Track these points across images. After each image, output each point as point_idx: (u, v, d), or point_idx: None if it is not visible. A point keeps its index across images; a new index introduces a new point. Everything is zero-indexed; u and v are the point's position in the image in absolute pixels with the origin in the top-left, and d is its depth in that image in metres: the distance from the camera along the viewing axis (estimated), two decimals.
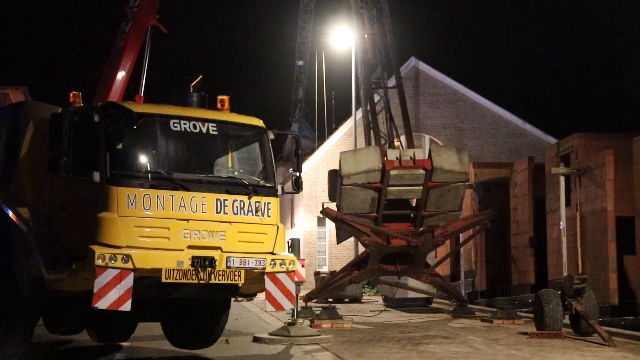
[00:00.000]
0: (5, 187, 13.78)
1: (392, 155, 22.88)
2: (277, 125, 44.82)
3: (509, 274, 28.24)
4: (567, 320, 18.49)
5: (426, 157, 22.84)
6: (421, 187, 22.85)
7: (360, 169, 22.63)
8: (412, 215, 23.67)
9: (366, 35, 26.67)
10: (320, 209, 24.68)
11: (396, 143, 26.23)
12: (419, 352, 15.70)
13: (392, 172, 22.53)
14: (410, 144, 25.72)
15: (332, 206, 24.13)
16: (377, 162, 22.58)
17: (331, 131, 43.33)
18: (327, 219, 27.14)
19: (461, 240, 27.56)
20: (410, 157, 22.67)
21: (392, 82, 27.38)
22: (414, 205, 23.97)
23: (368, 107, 26.07)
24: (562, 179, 24.22)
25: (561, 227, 24.24)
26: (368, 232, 23.03)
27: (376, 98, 26.55)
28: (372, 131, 25.72)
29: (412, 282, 25.06)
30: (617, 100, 53.24)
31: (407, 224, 23.37)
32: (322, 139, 44.00)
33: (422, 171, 22.61)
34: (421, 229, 23.39)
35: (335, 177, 23.65)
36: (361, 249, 26.78)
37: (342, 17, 36.81)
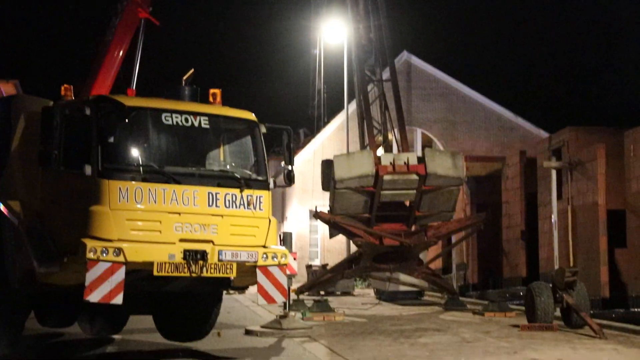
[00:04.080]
0: None
1: (385, 160, 22.73)
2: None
3: (500, 267, 28.32)
4: (558, 313, 18.53)
5: (419, 161, 22.65)
6: (415, 191, 22.77)
7: (353, 174, 22.54)
8: (405, 215, 23.61)
9: (361, 27, 26.60)
10: (313, 202, 24.68)
11: (389, 137, 26.19)
12: (411, 344, 15.72)
13: (386, 178, 22.42)
14: (404, 138, 25.62)
15: (325, 195, 24.07)
16: (371, 168, 22.47)
17: (323, 124, 43.23)
18: None
19: (453, 239, 27.56)
20: (404, 162, 22.51)
21: (385, 74, 27.29)
22: (407, 205, 23.88)
23: (361, 97, 25.98)
24: (553, 173, 24.29)
25: (553, 220, 24.30)
26: (361, 233, 23.01)
27: (369, 88, 26.46)
28: (365, 121, 25.65)
29: (403, 276, 25.07)
30: (609, 93, 53.34)
31: (400, 224, 23.30)
32: (315, 131, 43.89)
33: (415, 176, 22.51)
34: (414, 228, 23.38)
35: (328, 168, 23.53)
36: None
37: (337, 8, 36.39)
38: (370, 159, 22.75)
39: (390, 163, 22.62)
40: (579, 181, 23.27)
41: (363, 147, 25.26)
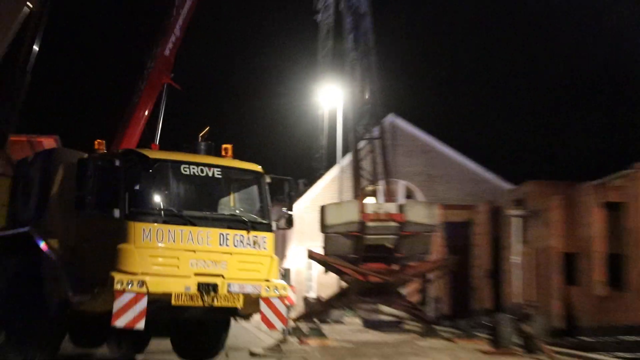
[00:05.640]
0: (38, 221, 13.83)
1: (369, 209, 22.86)
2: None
3: (469, 300, 28.23)
4: (518, 340, 18.51)
5: (400, 210, 22.73)
6: (394, 236, 22.83)
7: (341, 221, 22.61)
8: (387, 256, 23.57)
9: (357, 91, 26.71)
10: (310, 243, 24.64)
11: (374, 187, 26.29)
12: None
13: (369, 224, 22.48)
14: (389, 189, 25.78)
15: (321, 237, 24.00)
16: (356, 215, 22.52)
17: (317, 177, 43.20)
18: None
19: (429, 276, 27.53)
20: (387, 212, 22.63)
21: (375, 133, 27.29)
22: (389, 248, 23.87)
23: (355, 152, 26.05)
24: (516, 220, 24.31)
25: (515, 260, 24.29)
26: (349, 272, 23.02)
27: (361, 145, 26.55)
28: (357, 173, 25.72)
29: (386, 308, 25.00)
30: (567, 150, 53.52)
31: (382, 264, 23.28)
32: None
33: (395, 224, 22.59)
34: (395, 267, 23.36)
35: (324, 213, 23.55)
36: None
37: (338, 74, 36.10)
38: (356, 208, 22.80)
39: (374, 211, 22.68)
40: (538, 227, 23.32)
41: (356, 195, 25.32)
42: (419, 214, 22.80)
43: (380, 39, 27.51)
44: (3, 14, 20.26)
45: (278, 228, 14.47)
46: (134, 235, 12.62)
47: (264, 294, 13.54)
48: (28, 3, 21.12)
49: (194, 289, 12.83)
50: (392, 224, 22.54)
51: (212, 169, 13.84)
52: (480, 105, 67.74)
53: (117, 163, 13.08)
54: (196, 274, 12.95)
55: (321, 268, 24.99)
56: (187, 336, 15.90)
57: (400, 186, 39.63)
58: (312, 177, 44.22)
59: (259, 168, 14.53)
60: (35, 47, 22.00)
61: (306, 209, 36.92)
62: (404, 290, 25.31)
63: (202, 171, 13.72)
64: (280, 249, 40.89)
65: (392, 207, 22.87)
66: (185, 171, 13.56)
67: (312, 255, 23.53)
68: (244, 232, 13.59)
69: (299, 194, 40.16)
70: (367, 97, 26.61)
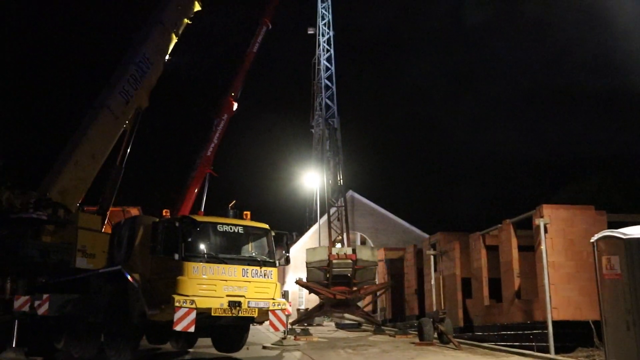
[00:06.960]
0: (127, 262, 13.78)
1: (335, 251, 23.08)
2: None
3: (404, 309, 28.02)
4: (436, 336, 18.38)
5: (353, 252, 22.94)
6: (351, 269, 22.90)
7: (315, 259, 22.82)
8: (347, 282, 23.55)
9: (331, 176, 27.00)
10: (300, 273, 24.46)
11: (340, 237, 26.38)
12: (355, 353, 15.53)
13: (334, 261, 22.65)
14: (348, 238, 25.92)
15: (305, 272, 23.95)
16: (325, 256, 22.75)
17: (305, 230, 43.20)
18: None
19: (378, 294, 27.41)
20: (345, 253, 22.86)
21: (341, 202, 27.52)
22: (349, 276, 23.85)
23: (328, 215, 26.34)
24: (432, 257, 24.33)
25: (432, 283, 24.23)
26: (323, 292, 22.98)
27: (332, 210, 26.77)
28: (329, 228, 25.94)
29: (349, 315, 24.81)
30: (461, 213, 53.82)
31: (344, 287, 23.27)
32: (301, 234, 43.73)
33: (350, 261, 22.74)
34: (354, 289, 23.35)
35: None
36: None
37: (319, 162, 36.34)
38: (325, 251, 23.03)
39: (337, 253, 22.89)
40: (446, 262, 23.33)
41: (330, 242, 25.41)
42: (366, 254, 23.00)
43: (345, 144, 27.95)
44: (111, 132, 20.47)
45: (279, 264, 14.46)
46: (187, 271, 12.60)
47: (271, 307, 13.50)
48: (125, 124, 21.34)
49: (226, 305, 12.78)
50: (349, 261, 22.68)
51: (237, 227, 13.89)
52: (408, 184, 68.36)
53: (177, 224, 13.11)
54: (227, 295, 12.91)
55: (306, 290, 24.83)
56: (221, 336, 15.72)
57: (357, 236, 39.69)
58: (302, 230, 44.24)
59: (267, 226, 14.58)
60: (128, 150, 22.16)
61: (297, 251, 36.74)
62: (360, 303, 25.12)
63: (231, 229, 13.77)
64: (281, 278, 40.63)
65: (349, 250, 23.01)
66: (220, 229, 13.61)
67: (298, 282, 23.49)
68: (257, 268, 13.59)
69: (293, 242, 40.02)
70: (337, 180, 26.90)
